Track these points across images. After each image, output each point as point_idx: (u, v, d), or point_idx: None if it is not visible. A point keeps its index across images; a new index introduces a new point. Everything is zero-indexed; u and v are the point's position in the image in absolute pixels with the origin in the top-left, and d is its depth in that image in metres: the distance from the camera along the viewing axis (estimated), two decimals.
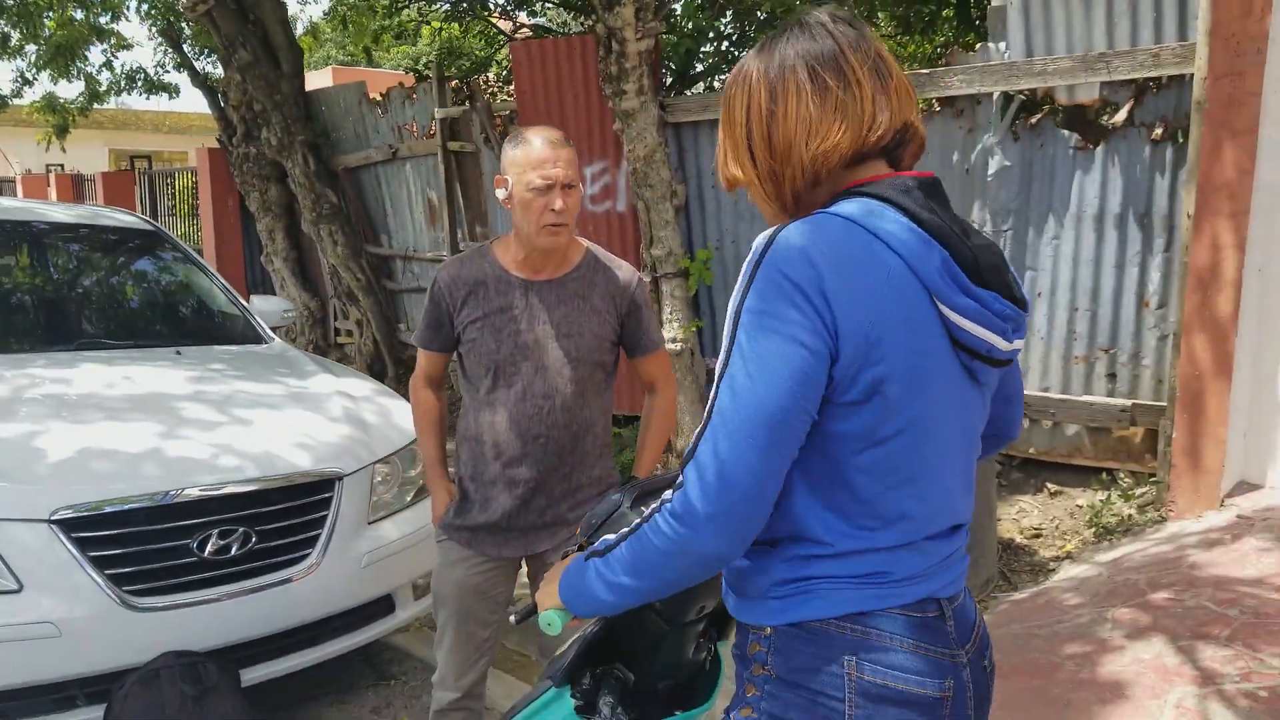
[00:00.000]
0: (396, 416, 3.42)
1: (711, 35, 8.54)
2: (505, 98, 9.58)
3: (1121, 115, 3.97)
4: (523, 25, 10.90)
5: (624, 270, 2.37)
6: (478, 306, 2.26)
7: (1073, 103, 4.09)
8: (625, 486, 1.56)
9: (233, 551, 2.71)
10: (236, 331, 4.15)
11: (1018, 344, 1.28)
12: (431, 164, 6.85)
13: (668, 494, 1.22)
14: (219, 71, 8.73)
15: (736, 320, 1.17)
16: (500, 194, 2.23)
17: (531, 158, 2.16)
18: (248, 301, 4.39)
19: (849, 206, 1.19)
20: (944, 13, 8.49)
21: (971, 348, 1.22)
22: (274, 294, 8.55)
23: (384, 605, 3.13)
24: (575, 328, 2.27)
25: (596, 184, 5.45)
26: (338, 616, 2.96)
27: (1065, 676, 2.79)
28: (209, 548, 2.67)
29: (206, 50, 9.76)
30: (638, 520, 1.26)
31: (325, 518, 2.92)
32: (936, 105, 4.40)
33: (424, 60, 14.91)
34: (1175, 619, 2.99)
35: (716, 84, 8.50)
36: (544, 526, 2.30)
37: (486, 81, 11.36)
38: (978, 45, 4.45)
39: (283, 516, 2.84)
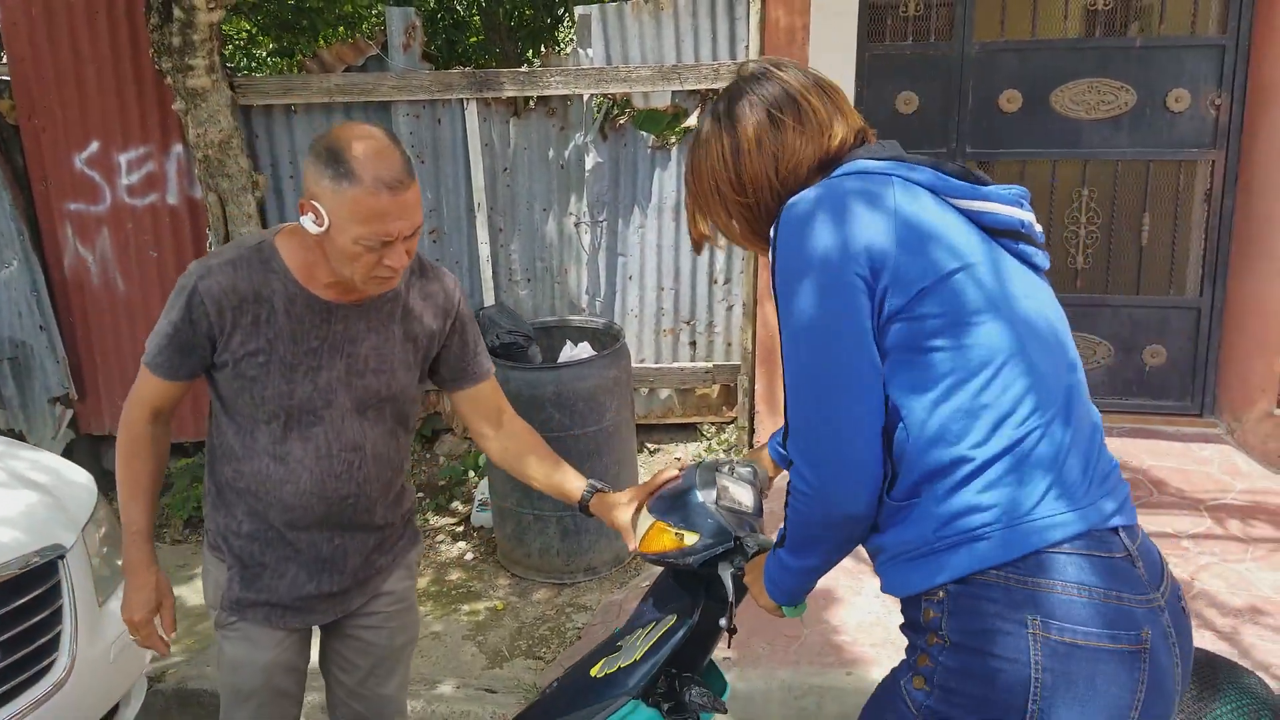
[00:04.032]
0: (57, 466, 2.78)
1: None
2: None
3: (692, 120, 4.67)
4: None
5: (444, 279, 2.00)
6: (258, 334, 1.77)
7: (649, 108, 4.69)
8: (693, 470, 1.76)
9: None
10: None
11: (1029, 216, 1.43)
12: None
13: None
14: None
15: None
16: (308, 223, 1.69)
17: (364, 209, 1.62)
18: None
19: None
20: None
21: (1007, 228, 1.39)
22: None
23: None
24: (385, 361, 1.89)
25: (136, 173, 4.74)
26: None
27: None
28: None
29: None
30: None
31: (60, 610, 2.32)
32: (532, 104, 4.69)
33: None
34: None
35: None
36: (358, 584, 2.02)
37: None
38: (569, 49, 4.83)
39: (16, 619, 2.20)
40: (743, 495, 1.70)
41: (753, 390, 4.74)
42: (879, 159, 1.40)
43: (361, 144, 1.64)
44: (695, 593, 1.70)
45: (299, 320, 1.78)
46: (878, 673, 1.78)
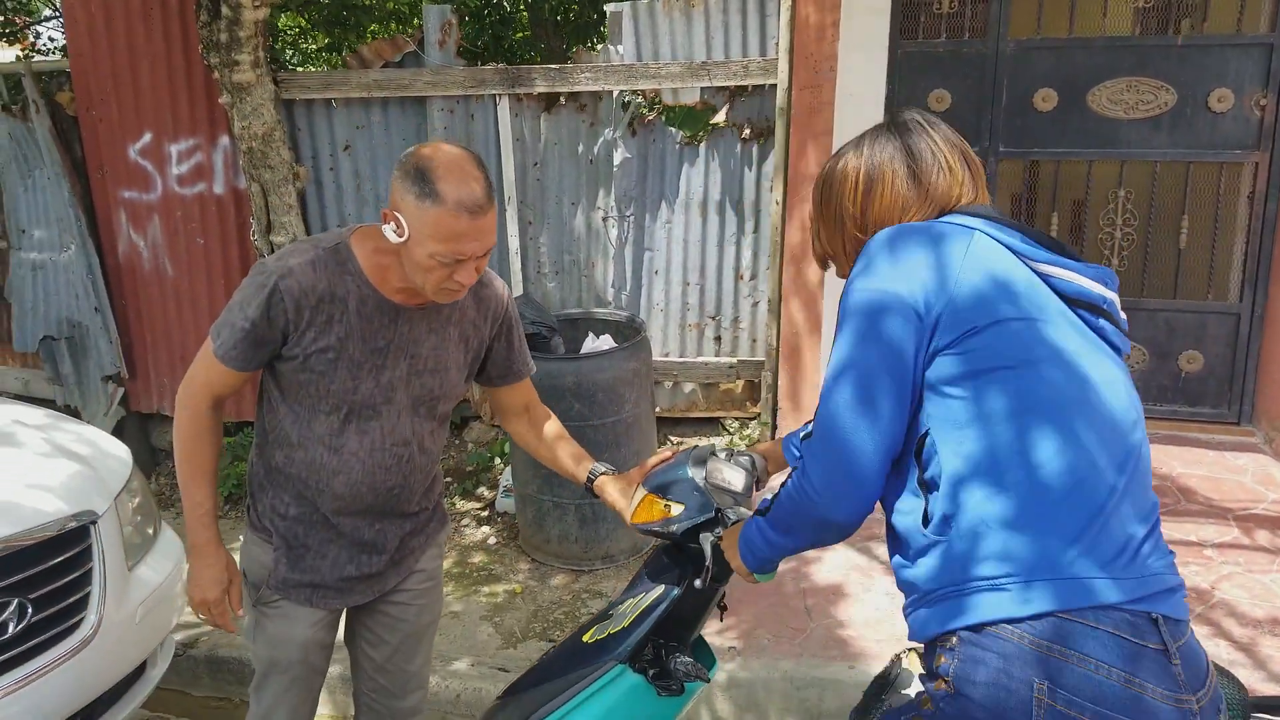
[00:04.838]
0: (96, 439, 3.06)
1: None
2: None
3: (720, 116, 4.83)
4: None
5: (495, 285, 2.14)
6: (329, 332, 1.89)
7: (678, 104, 4.85)
8: (689, 451, 1.95)
9: (10, 630, 2.32)
10: None
11: (1112, 295, 1.46)
12: None
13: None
14: None
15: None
16: (389, 232, 1.81)
17: (443, 229, 1.74)
18: None
19: None
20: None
21: (1086, 300, 1.42)
22: None
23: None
24: (441, 362, 2.04)
25: (185, 164, 5.07)
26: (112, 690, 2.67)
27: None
28: None
29: None
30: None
31: (90, 572, 2.59)
32: (563, 100, 4.90)
33: None
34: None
35: None
36: (394, 565, 2.18)
37: None
38: (599, 47, 5.02)
39: (49, 578, 2.48)
40: (733, 477, 1.86)
41: (776, 386, 4.89)
42: (972, 214, 1.47)
43: (447, 167, 1.75)
44: (684, 566, 1.87)
45: (369, 320, 1.91)
46: (881, 668, 1.93)
